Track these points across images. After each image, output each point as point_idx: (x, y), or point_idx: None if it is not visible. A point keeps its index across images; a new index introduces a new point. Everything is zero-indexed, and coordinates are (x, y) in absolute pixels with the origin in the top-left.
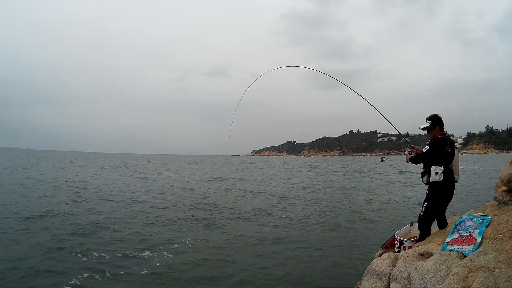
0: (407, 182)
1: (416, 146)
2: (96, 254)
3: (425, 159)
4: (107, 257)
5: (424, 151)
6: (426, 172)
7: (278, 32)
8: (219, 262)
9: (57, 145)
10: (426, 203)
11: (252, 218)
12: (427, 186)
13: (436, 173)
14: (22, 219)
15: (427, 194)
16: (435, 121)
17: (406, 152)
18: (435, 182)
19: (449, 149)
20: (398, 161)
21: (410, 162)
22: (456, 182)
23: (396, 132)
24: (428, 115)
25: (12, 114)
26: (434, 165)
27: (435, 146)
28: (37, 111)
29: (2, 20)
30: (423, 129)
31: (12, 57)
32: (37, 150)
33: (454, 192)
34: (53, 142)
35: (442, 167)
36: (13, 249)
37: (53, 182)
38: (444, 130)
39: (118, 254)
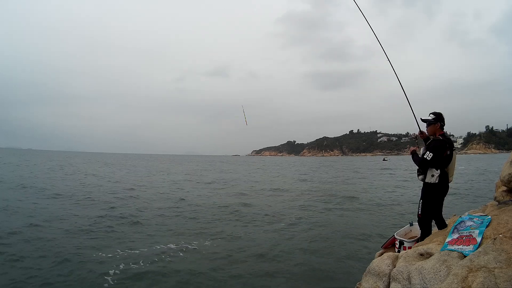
0: (407, 181)
1: (424, 133)
2: None
3: (427, 166)
4: None
5: (425, 157)
6: (423, 172)
7: (277, 33)
8: (223, 263)
9: (57, 145)
10: (421, 201)
11: (251, 218)
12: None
13: (432, 175)
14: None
15: (422, 192)
16: (438, 117)
17: (414, 136)
18: (430, 183)
19: (448, 152)
20: (400, 161)
21: (411, 156)
22: (449, 182)
23: (397, 132)
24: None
25: (12, 114)
26: (431, 168)
27: (438, 151)
28: (38, 111)
29: (3, 20)
30: (424, 120)
31: (12, 57)
32: (38, 150)
33: (454, 193)
34: (53, 142)
35: (439, 171)
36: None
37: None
38: (444, 130)
39: None
